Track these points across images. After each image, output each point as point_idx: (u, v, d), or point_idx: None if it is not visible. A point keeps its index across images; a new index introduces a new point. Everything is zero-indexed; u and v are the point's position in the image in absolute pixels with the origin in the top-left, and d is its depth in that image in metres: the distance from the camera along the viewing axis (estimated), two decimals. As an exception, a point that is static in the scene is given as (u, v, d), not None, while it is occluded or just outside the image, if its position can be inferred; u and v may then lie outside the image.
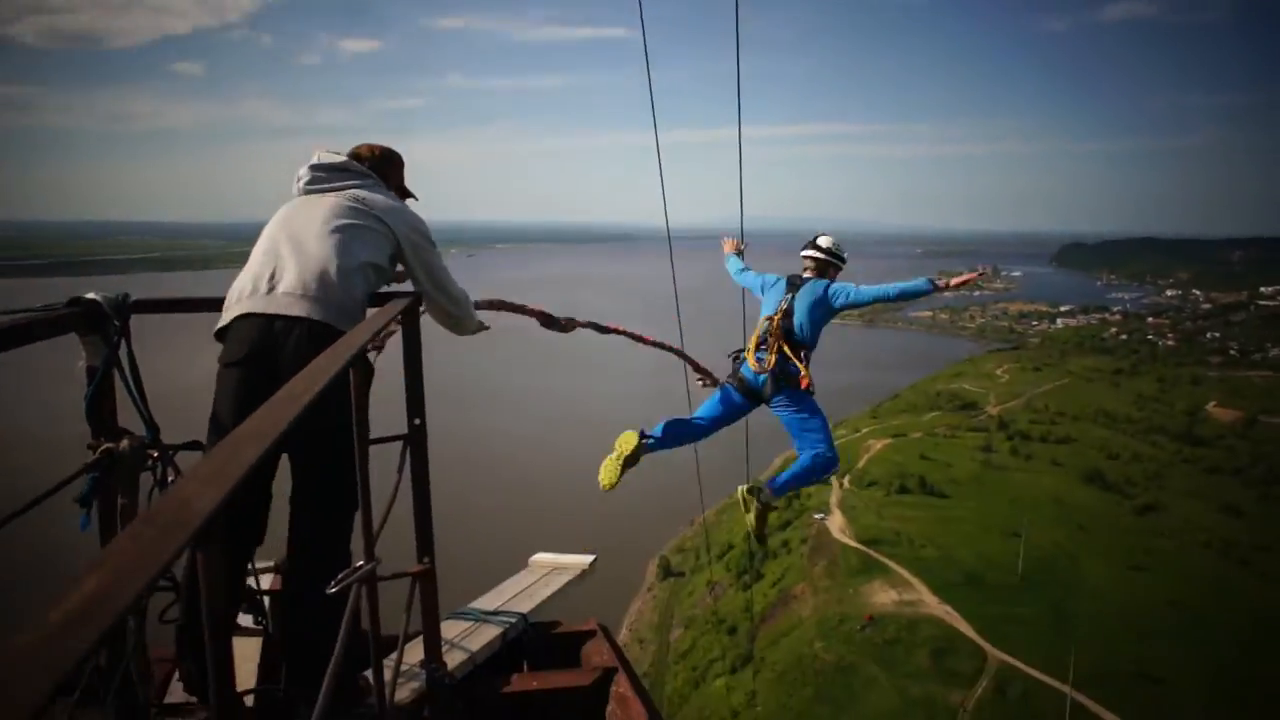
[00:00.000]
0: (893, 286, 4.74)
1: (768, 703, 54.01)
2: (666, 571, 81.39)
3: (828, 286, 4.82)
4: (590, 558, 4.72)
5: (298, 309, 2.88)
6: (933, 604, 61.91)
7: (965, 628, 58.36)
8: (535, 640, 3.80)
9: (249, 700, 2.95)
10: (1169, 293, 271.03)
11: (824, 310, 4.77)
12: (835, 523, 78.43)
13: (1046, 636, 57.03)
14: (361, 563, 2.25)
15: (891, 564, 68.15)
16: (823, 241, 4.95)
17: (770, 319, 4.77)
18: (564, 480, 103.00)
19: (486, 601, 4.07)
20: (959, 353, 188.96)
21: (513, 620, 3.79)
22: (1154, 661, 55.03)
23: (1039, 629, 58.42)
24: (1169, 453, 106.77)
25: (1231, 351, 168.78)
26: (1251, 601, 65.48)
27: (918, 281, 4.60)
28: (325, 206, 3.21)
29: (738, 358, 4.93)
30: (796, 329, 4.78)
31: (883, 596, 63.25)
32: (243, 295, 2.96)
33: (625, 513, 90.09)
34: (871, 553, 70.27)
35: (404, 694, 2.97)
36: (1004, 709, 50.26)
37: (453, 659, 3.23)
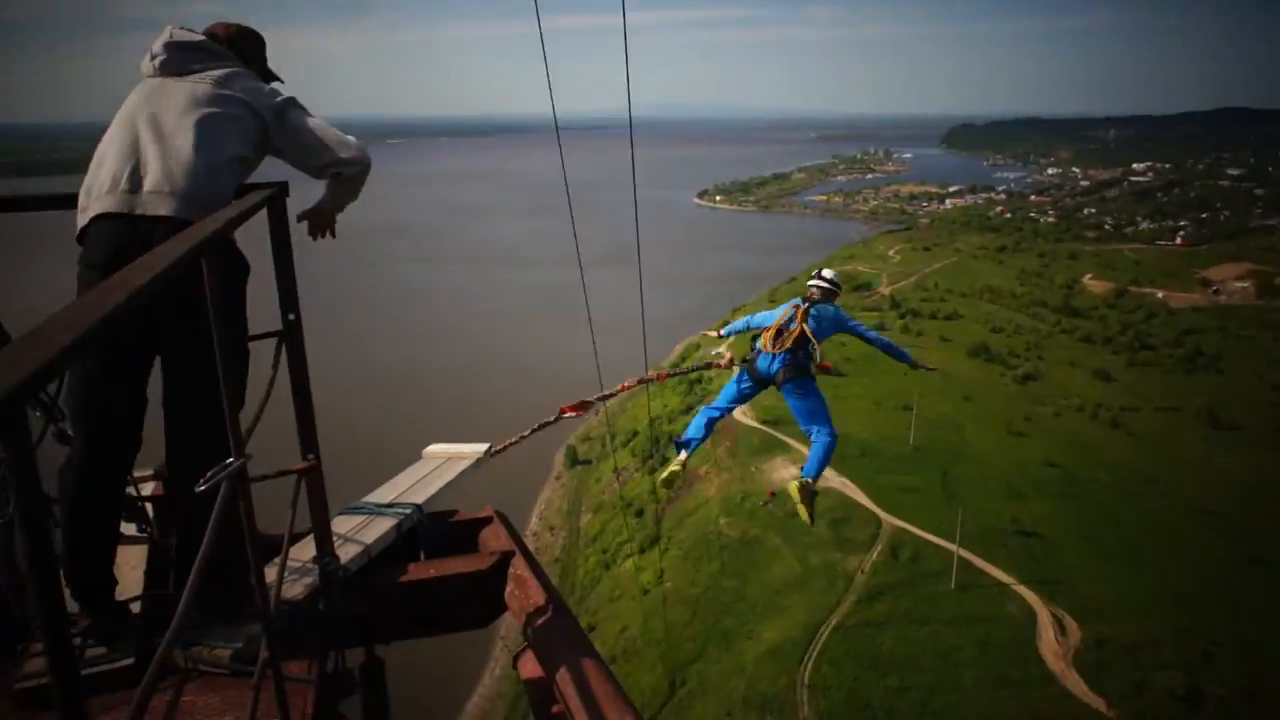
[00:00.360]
0: (884, 339, 5.89)
1: (676, 579, 56.16)
2: (574, 460, 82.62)
3: (839, 310, 5.80)
4: (485, 446, 4.65)
5: (164, 208, 2.73)
6: (830, 476, 64.55)
7: (861, 497, 61.43)
8: (431, 530, 3.76)
9: (135, 607, 2.87)
10: (1050, 171, 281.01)
11: (833, 323, 5.66)
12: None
13: (935, 501, 60.58)
14: (231, 459, 2.12)
15: (791, 442, 70.47)
16: (827, 274, 5.93)
17: (795, 309, 5.62)
18: (466, 375, 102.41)
19: (380, 495, 3.98)
20: (852, 235, 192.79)
21: (407, 511, 3.73)
22: (1031, 518, 59.24)
23: (929, 495, 61.96)
24: (1049, 324, 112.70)
25: (1106, 226, 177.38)
26: (1119, 458, 70.85)
27: (905, 351, 5.84)
28: (186, 93, 2.97)
29: (751, 346, 5.78)
30: (817, 330, 5.66)
31: (783, 473, 65.64)
32: (101, 192, 2.77)
33: (529, 406, 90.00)
34: (772, 432, 72.52)
35: (296, 590, 2.93)
36: (897, 570, 53.53)
37: (346, 552, 3.16)
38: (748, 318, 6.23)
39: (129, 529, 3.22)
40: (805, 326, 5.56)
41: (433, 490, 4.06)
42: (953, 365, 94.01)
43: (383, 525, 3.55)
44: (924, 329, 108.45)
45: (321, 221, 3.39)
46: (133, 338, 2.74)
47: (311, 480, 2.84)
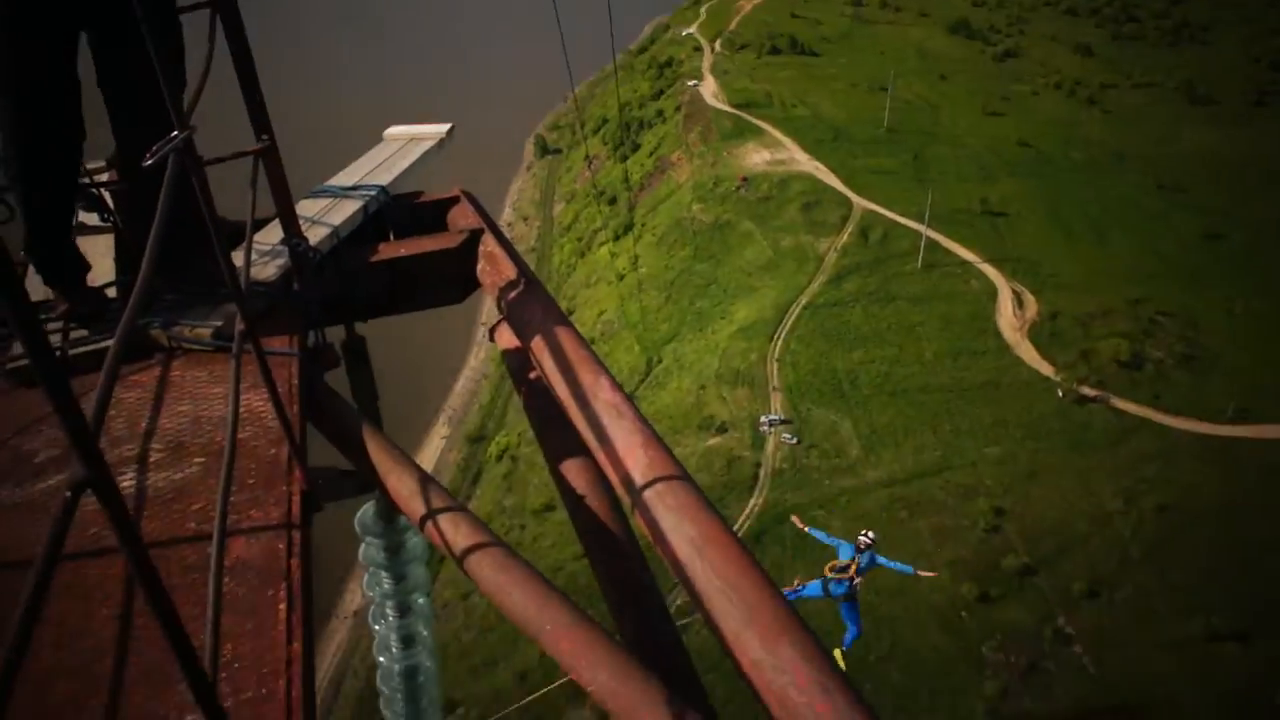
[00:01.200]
0: (901, 565, 9.78)
1: (651, 264, 57.14)
2: (544, 149, 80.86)
3: (875, 555, 9.09)
4: (447, 125, 4.55)
5: None
6: (803, 161, 64.12)
7: (833, 180, 61.28)
8: (398, 211, 3.81)
9: (111, 292, 3.00)
10: None
11: (872, 563, 8.98)
12: (708, 89, 77.67)
13: (907, 183, 60.73)
14: (175, 133, 1.95)
15: (764, 125, 69.10)
16: (872, 535, 9.11)
17: (852, 561, 8.97)
18: (424, 61, 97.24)
19: (343, 179, 3.95)
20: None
21: (373, 193, 3.73)
22: (1000, 198, 59.89)
23: (900, 178, 61.95)
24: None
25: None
26: (1092, 136, 70.48)
27: (907, 567, 9.74)
28: None
29: (831, 570, 9.16)
30: (861, 569, 9.05)
31: (756, 158, 64.92)
32: None
33: (496, 96, 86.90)
34: (744, 115, 70.77)
35: (269, 271, 3.02)
36: (866, 251, 54.75)
37: (314, 235, 3.20)
38: (831, 541, 9.33)
39: (92, 219, 3.27)
40: (857, 571, 8.96)
41: (397, 172, 4.04)
42: (933, 42, 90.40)
43: (349, 208, 3.57)
44: (902, 4, 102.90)
45: None
46: (48, 12, 2.59)
47: (270, 161, 2.78)
